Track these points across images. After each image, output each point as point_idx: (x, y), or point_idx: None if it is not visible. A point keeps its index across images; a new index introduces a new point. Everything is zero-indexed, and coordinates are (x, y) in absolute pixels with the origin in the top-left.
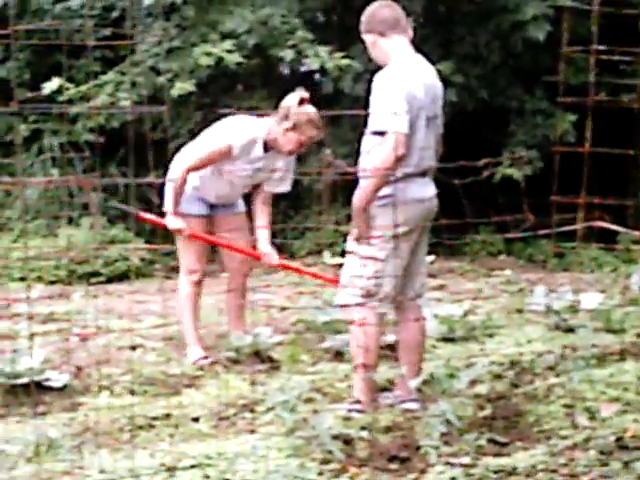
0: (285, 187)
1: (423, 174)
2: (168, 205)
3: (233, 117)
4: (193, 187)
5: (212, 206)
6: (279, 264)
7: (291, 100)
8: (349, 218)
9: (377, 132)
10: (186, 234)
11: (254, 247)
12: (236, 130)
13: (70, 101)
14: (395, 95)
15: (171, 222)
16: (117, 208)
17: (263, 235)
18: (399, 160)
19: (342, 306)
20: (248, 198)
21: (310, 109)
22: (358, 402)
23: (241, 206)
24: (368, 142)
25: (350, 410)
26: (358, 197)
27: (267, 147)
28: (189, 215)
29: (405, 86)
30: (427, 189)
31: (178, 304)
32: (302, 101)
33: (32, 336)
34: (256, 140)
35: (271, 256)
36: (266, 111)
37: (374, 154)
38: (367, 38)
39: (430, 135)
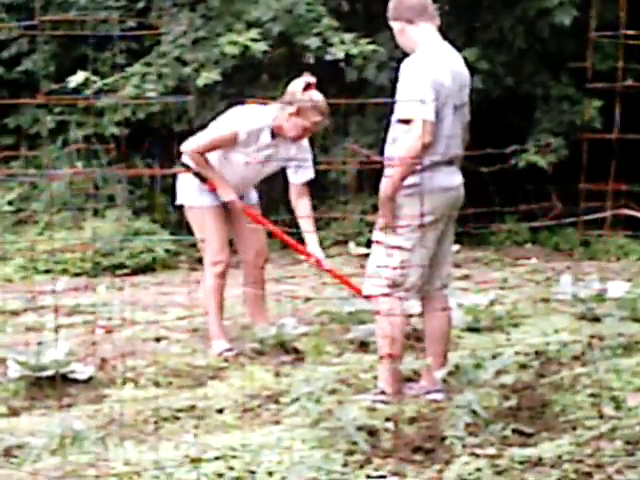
0: (308, 175)
1: (450, 162)
2: (181, 198)
3: (241, 106)
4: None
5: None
6: (328, 270)
7: (296, 85)
8: (375, 208)
9: (403, 120)
10: (240, 207)
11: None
12: (242, 118)
13: (96, 94)
14: (422, 83)
15: (224, 194)
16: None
17: (311, 238)
18: (425, 148)
19: (368, 297)
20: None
21: (315, 94)
22: (383, 393)
23: (254, 198)
24: (394, 131)
25: (375, 401)
26: (384, 186)
27: (274, 134)
28: (202, 207)
29: (432, 73)
30: (454, 178)
31: (203, 296)
32: (307, 86)
33: (58, 328)
34: (263, 128)
35: (321, 261)
36: (267, 101)
37: (400, 142)
38: (394, 25)
39: (457, 123)
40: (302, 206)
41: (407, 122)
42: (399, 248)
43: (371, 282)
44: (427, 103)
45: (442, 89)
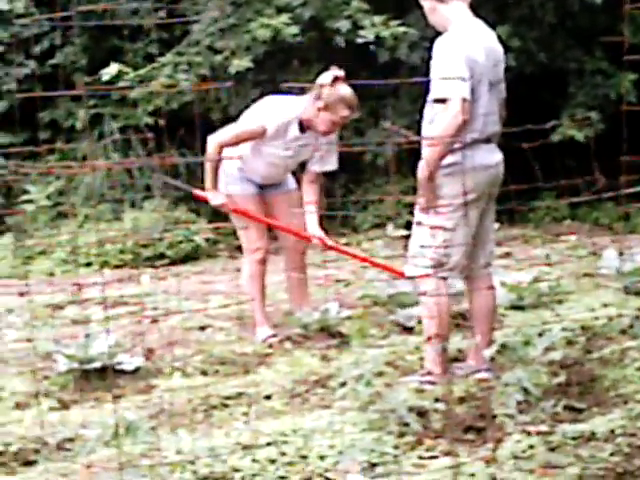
0: (330, 166)
1: (488, 140)
2: (221, 187)
3: (271, 97)
4: (238, 168)
5: (262, 186)
6: (331, 246)
7: (324, 79)
8: (413, 189)
9: (439, 99)
10: (228, 209)
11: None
12: (271, 111)
13: (130, 85)
14: (456, 61)
15: (212, 197)
16: (171, 185)
17: (312, 218)
18: (462, 127)
19: (412, 277)
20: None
21: (343, 88)
22: (430, 374)
23: (292, 184)
24: (430, 111)
25: (422, 382)
26: (422, 166)
27: (303, 127)
28: (234, 195)
29: (466, 51)
30: (493, 155)
31: (245, 284)
32: (335, 80)
33: (107, 319)
34: (291, 121)
35: (321, 239)
36: (302, 85)
37: (437, 122)
38: (425, 4)
39: (493, 100)
40: (311, 190)
41: (443, 101)
42: (441, 228)
43: (414, 263)
44: (462, 81)
45: (476, 66)
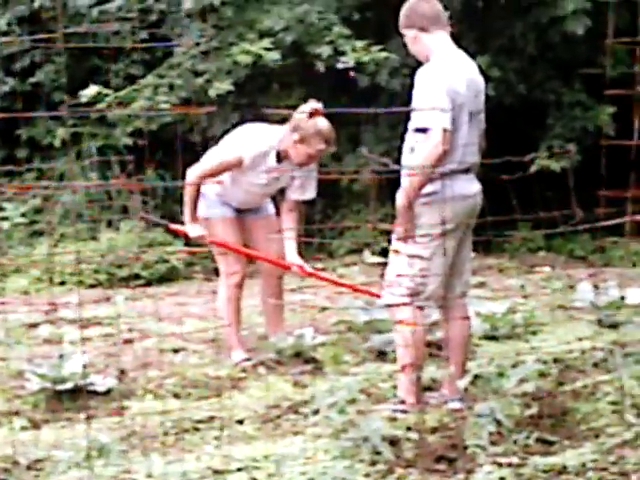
0: (309, 194)
1: (467, 170)
2: (202, 211)
3: (248, 126)
4: (216, 193)
5: (240, 210)
6: (310, 273)
7: (302, 112)
8: (390, 216)
9: (419, 129)
10: (207, 241)
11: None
12: (248, 141)
13: (110, 106)
14: (438, 91)
15: (191, 230)
16: (147, 219)
17: (290, 246)
18: (443, 157)
19: (388, 306)
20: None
21: (321, 121)
22: (403, 402)
23: (270, 209)
24: (410, 140)
25: (395, 410)
26: (401, 195)
27: (280, 157)
28: (212, 219)
29: (447, 81)
30: (472, 185)
31: (219, 307)
32: (313, 113)
33: (82, 340)
34: (268, 151)
35: (300, 267)
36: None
37: (417, 151)
38: (407, 33)
39: (473, 131)
40: (290, 218)
41: (424, 131)
42: (418, 257)
43: (390, 291)
44: (443, 111)
45: (457, 97)
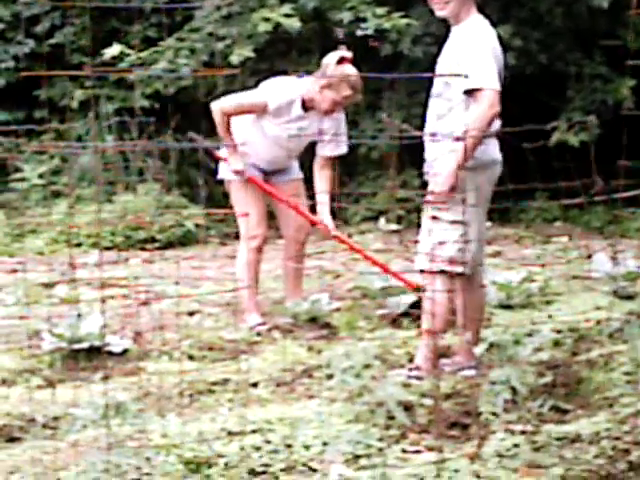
0: (340, 150)
1: (497, 135)
2: (222, 172)
3: (276, 78)
4: (242, 153)
5: (266, 173)
6: (335, 236)
7: (330, 58)
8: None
9: (468, 90)
10: (244, 176)
11: (313, 212)
12: (274, 89)
13: (130, 67)
14: (486, 52)
15: (232, 162)
16: (194, 139)
17: (323, 200)
18: (494, 118)
19: (422, 271)
20: (305, 165)
21: (348, 68)
22: (418, 368)
23: (297, 172)
24: (439, 105)
25: (410, 377)
26: (454, 160)
27: (306, 107)
28: (237, 180)
29: (491, 43)
30: (498, 151)
31: (237, 270)
32: (341, 60)
33: (102, 301)
34: (293, 100)
35: (329, 226)
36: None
37: (462, 114)
38: None
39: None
40: (322, 177)
41: (471, 93)
42: (459, 223)
43: (429, 258)
44: (492, 72)
45: (497, 60)
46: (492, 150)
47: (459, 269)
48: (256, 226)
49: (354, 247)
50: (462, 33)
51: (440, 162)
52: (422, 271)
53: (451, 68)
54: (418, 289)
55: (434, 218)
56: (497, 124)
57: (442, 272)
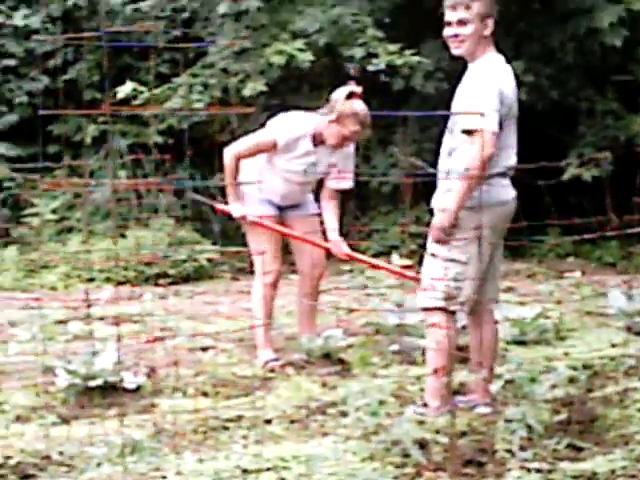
0: (346, 184)
1: (504, 174)
2: (229, 194)
3: (285, 113)
4: (256, 190)
5: (281, 208)
6: (348, 254)
7: (340, 93)
8: (417, 219)
9: (466, 130)
10: (248, 222)
11: (325, 239)
12: (283, 125)
13: (142, 104)
14: (490, 92)
15: (234, 209)
16: (198, 200)
17: (331, 223)
18: (489, 160)
19: (423, 309)
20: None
21: (357, 104)
22: (425, 405)
23: (313, 208)
24: (450, 141)
25: (417, 413)
26: (453, 200)
27: (316, 141)
28: (251, 217)
29: (499, 83)
30: (508, 191)
31: (252, 305)
32: (351, 95)
33: (118, 339)
34: (303, 135)
35: (340, 245)
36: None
37: (461, 154)
38: (470, 27)
39: (511, 134)
40: (330, 206)
41: (469, 132)
42: (455, 261)
43: (426, 295)
44: (492, 113)
45: (505, 100)
46: (499, 191)
47: (454, 307)
48: (271, 262)
49: (368, 261)
50: (472, 72)
51: (438, 200)
52: (424, 309)
53: (458, 106)
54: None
55: (432, 255)
56: (509, 162)
57: (440, 309)
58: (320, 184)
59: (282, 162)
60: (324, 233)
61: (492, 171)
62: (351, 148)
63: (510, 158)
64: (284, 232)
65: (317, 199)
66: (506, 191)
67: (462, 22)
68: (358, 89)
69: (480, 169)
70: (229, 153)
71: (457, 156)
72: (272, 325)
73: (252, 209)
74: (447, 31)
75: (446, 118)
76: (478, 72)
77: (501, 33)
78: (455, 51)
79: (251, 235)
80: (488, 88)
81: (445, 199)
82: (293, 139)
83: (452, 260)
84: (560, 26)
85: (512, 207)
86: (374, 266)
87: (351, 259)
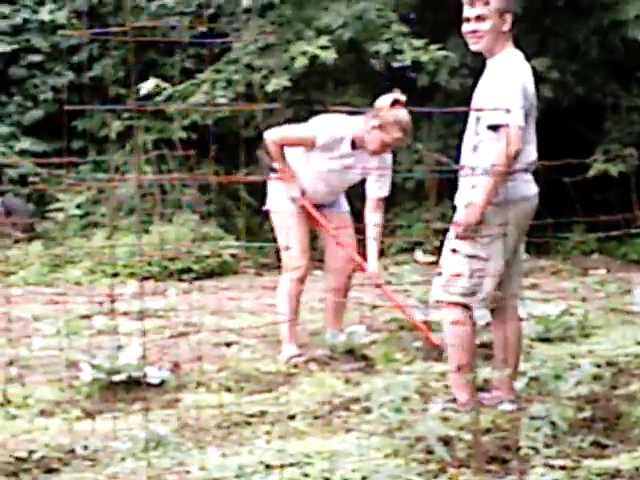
0: (383, 191)
1: (526, 170)
2: (269, 203)
3: (328, 114)
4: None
5: (314, 206)
6: (379, 285)
7: (384, 100)
8: (442, 215)
9: (492, 126)
10: (301, 202)
11: (363, 255)
12: (325, 125)
13: (166, 100)
14: (514, 87)
15: (288, 188)
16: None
17: (372, 250)
18: (516, 156)
19: (439, 302)
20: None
21: (401, 112)
22: (454, 401)
23: (344, 206)
24: (473, 138)
25: (444, 409)
26: (480, 196)
27: (355, 145)
28: (284, 212)
29: (522, 79)
30: (530, 186)
31: (278, 301)
32: (395, 103)
33: (144, 333)
34: (343, 138)
35: (375, 275)
36: (360, 109)
37: (488, 150)
38: (503, 18)
39: (531, 130)
40: (373, 221)
41: (495, 128)
42: (477, 257)
43: (445, 289)
44: (518, 109)
45: (528, 95)
46: (522, 187)
47: (474, 304)
48: (299, 257)
49: (395, 301)
50: (493, 68)
51: (462, 196)
52: (439, 302)
53: (481, 102)
54: (437, 347)
55: (454, 251)
56: (531, 158)
57: (457, 304)
58: (363, 196)
59: (319, 160)
60: (360, 241)
61: (515, 167)
62: (389, 154)
63: (531, 154)
64: (325, 227)
65: (361, 216)
66: (529, 187)
67: (480, 18)
68: (402, 97)
69: (507, 165)
70: (269, 138)
71: (482, 152)
72: (297, 321)
73: (283, 204)
74: (465, 27)
75: (467, 115)
76: (500, 68)
77: (525, 29)
78: (473, 47)
79: (280, 230)
80: (512, 83)
81: (470, 195)
82: (333, 140)
83: (474, 257)
84: (584, 20)
85: (534, 203)
86: (396, 306)
87: (381, 291)
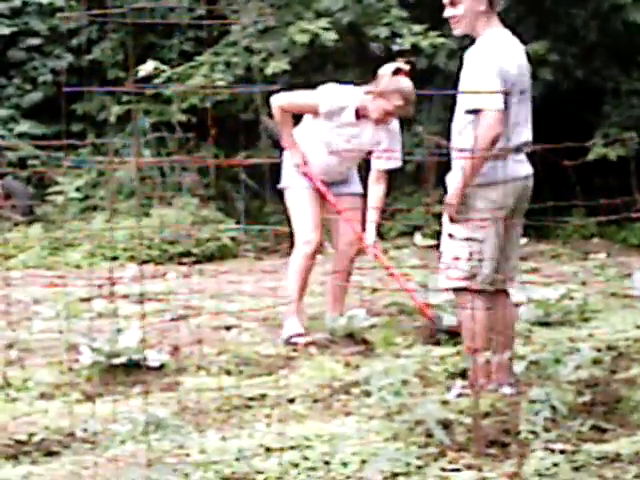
0: (394, 163)
1: (517, 150)
2: (282, 180)
3: (331, 84)
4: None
5: (325, 184)
6: (375, 255)
7: (387, 69)
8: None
9: (470, 110)
10: (303, 169)
11: (364, 227)
12: (328, 93)
13: (165, 82)
14: (489, 72)
15: (292, 155)
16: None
17: (371, 217)
18: (497, 138)
19: (445, 290)
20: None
21: (403, 80)
22: (473, 385)
23: (357, 187)
24: (460, 121)
25: (460, 394)
26: (458, 177)
27: (359, 115)
28: (294, 188)
29: (499, 62)
30: (522, 167)
31: (288, 275)
32: (397, 71)
33: (143, 316)
34: (346, 106)
35: (371, 246)
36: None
37: (468, 134)
38: (470, 4)
39: (522, 110)
40: (375, 193)
41: (475, 112)
42: (472, 239)
43: (446, 275)
44: (495, 92)
45: (508, 77)
46: (513, 167)
47: (476, 286)
48: (312, 231)
49: (395, 275)
50: (470, 52)
51: (450, 178)
52: (446, 289)
53: (462, 86)
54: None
55: (450, 235)
56: (523, 139)
57: (464, 289)
58: (368, 166)
59: (324, 132)
60: (364, 213)
61: (501, 147)
62: (396, 126)
63: (522, 134)
64: (333, 204)
65: (365, 183)
66: (520, 167)
67: (453, 3)
68: (405, 66)
69: (487, 148)
70: (276, 103)
71: (466, 136)
72: (304, 298)
73: (294, 180)
74: (445, 13)
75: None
76: (477, 51)
77: (524, 12)
78: (455, 32)
79: (293, 205)
80: (487, 67)
81: (455, 178)
82: (336, 108)
83: (469, 239)
84: (583, 3)
85: (527, 184)
86: (392, 275)
87: (383, 267)
